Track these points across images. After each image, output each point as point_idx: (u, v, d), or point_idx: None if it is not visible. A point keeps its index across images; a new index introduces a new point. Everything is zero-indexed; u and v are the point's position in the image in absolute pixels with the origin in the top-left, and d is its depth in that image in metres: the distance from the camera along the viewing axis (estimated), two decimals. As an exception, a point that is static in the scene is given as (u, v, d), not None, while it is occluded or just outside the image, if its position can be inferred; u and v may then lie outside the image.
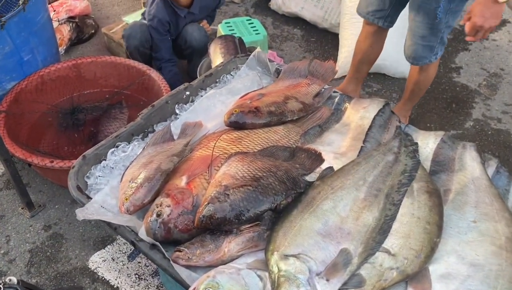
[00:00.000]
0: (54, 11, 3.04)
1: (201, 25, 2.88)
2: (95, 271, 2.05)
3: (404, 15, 2.41)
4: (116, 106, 2.65)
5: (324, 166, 1.46)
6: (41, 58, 2.57)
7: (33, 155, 2.10)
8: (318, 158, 1.48)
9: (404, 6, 2.35)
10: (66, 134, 2.53)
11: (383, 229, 1.26)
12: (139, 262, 2.07)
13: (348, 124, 1.69)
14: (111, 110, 2.63)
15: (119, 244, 2.16)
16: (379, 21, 2.40)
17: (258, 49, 1.94)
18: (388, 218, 1.29)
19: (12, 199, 2.34)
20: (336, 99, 1.77)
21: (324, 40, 3.53)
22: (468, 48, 3.52)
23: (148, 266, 2.06)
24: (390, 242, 1.24)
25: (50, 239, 2.18)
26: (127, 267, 2.06)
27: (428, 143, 1.62)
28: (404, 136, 1.54)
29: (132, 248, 2.14)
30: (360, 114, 1.69)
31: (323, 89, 1.79)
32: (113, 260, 2.09)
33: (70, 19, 3.19)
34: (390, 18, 2.41)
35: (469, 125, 2.90)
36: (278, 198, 1.28)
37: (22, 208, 2.28)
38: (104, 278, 2.02)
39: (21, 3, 2.33)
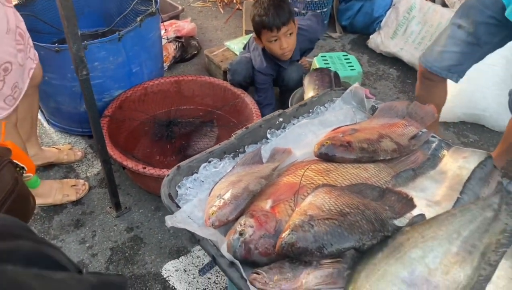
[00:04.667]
0: (165, 30, 3.28)
1: (299, 62, 2.92)
2: (166, 279, 2.11)
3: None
4: (208, 124, 2.77)
5: (415, 212, 1.39)
6: (147, 71, 2.77)
7: (128, 160, 2.25)
8: (409, 203, 1.41)
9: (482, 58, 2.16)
10: (158, 144, 2.68)
11: (475, 288, 1.17)
12: (209, 278, 2.10)
13: (445, 172, 1.60)
14: (202, 127, 2.75)
15: (192, 256, 2.21)
16: (453, 76, 2.18)
17: (357, 84, 1.93)
18: (482, 278, 1.19)
19: (102, 197, 2.51)
20: (434, 145, 1.69)
21: (420, 83, 3.42)
22: None
23: (217, 283, 2.08)
24: (482, 305, 1.14)
25: (131, 240, 2.29)
26: (197, 281, 2.09)
27: (533, 204, 1.48)
28: (506, 194, 1.43)
29: (204, 262, 2.19)
30: (459, 163, 1.60)
31: (420, 132, 1.73)
32: (185, 271, 2.14)
33: (177, 38, 3.41)
34: (464, 73, 2.19)
35: None
36: (364, 237, 1.24)
37: (110, 207, 2.43)
38: (175, 288, 2.07)
39: (138, 20, 2.55)
